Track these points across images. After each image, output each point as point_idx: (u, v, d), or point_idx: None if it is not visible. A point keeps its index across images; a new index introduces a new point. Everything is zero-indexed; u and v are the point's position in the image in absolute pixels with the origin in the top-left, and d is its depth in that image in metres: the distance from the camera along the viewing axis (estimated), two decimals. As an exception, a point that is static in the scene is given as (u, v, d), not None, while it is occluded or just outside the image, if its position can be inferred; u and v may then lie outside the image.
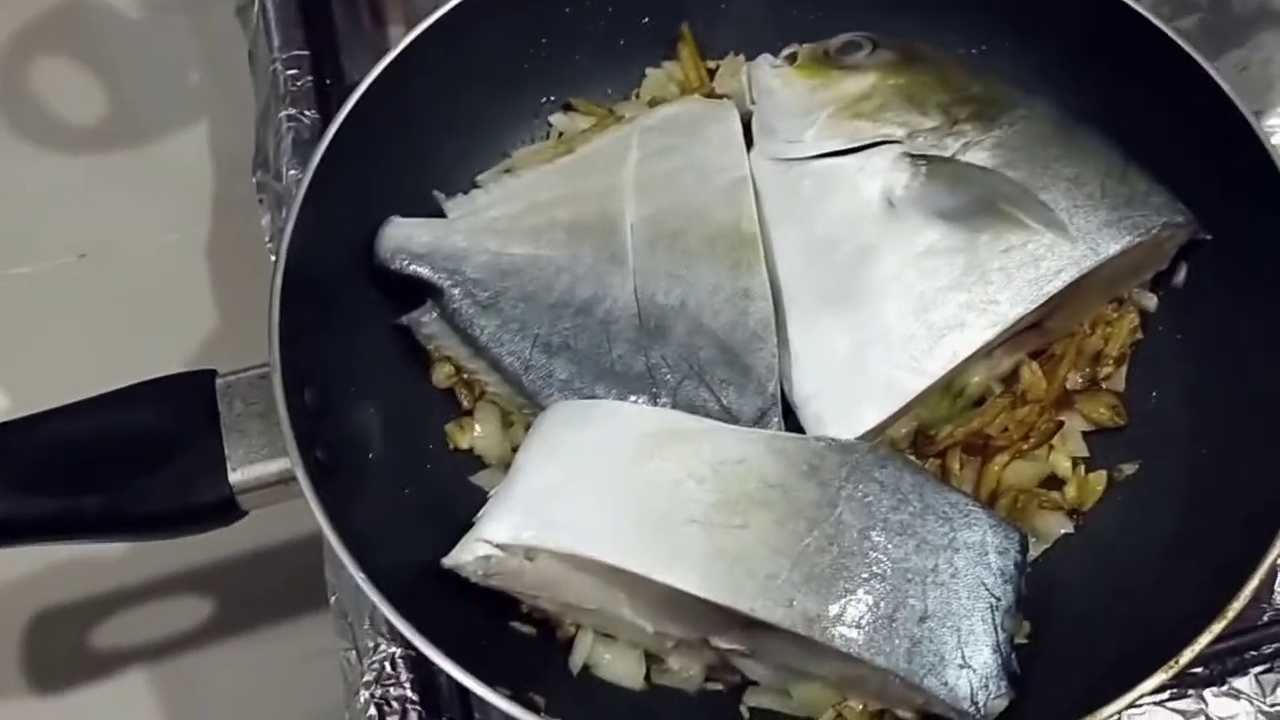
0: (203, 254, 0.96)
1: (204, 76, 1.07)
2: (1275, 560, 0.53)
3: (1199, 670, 0.65)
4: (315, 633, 0.74)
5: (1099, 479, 0.64)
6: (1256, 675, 0.65)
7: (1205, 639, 0.51)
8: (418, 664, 0.66)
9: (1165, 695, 0.64)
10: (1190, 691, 0.64)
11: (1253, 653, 0.66)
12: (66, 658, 0.81)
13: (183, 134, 1.03)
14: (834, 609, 0.54)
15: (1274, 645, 0.66)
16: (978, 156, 0.63)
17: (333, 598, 0.70)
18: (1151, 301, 0.68)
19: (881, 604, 0.54)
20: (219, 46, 1.01)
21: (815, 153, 0.65)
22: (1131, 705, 0.51)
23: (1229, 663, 0.65)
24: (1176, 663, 0.51)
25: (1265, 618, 0.67)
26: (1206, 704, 0.64)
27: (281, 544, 0.82)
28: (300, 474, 0.56)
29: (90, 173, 1.02)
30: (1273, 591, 0.68)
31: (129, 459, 0.57)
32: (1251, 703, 0.64)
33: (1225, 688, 0.64)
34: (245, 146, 0.89)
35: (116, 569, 0.82)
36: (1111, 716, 0.50)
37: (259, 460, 0.58)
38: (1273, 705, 0.64)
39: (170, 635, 0.81)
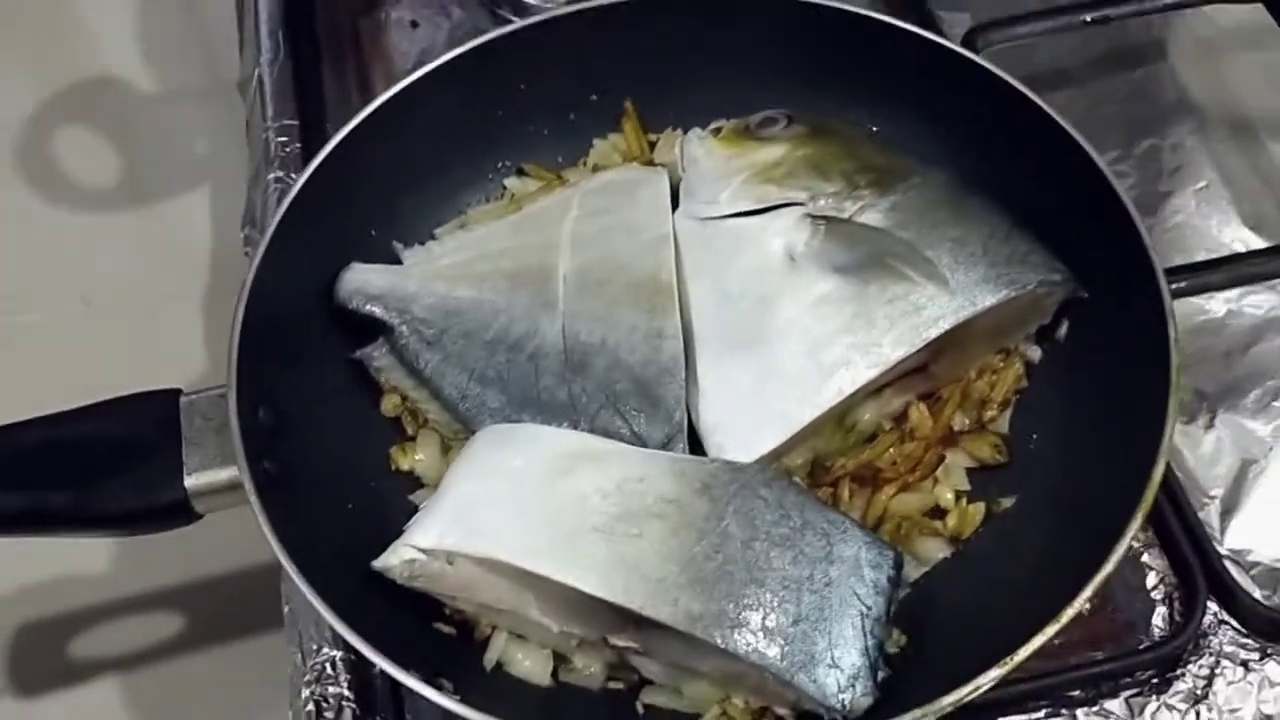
0: (197, 303, 1.05)
1: (209, 145, 1.17)
2: (1106, 580, 0.58)
3: (1075, 693, 0.70)
4: (275, 645, 0.79)
5: (978, 510, 0.69)
6: (1127, 698, 0.70)
7: (1039, 640, 0.57)
8: (356, 666, 0.72)
9: (1041, 714, 0.69)
10: (1064, 711, 0.69)
11: (1127, 679, 0.71)
12: (46, 668, 0.87)
13: (186, 197, 1.12)
14: (715, 609, 0.60)
15: (1148, 672, 0.71)
16: (872, 218, 0.71)
17: (286, 608, 0.76)
18: (1036, 353, 0.74)
19: (759, 606, 0.60)
20: (225, 119, 1.10)
21: (728, 212, 0.72)
22: (971, 696, 0.56)
23: (1103, 686, 0.70)
24: (1011, 659, 0.56)
25: (1142, 646, 0.72)
26: (1077, 723, 0.69)
27: (249, 566, 0.88)
28: (246, 481, 0.63)
29: (99, 230, 1.11)
30: (1150, 623, 0.73)
31: (96, 463, 0.65)
32: (1120, 724, 0.69)
33: (1096, 708, 0.69)
34: (239, 207, 0.98)
35: (96, 585, 0.89)
36: (949, 706, 0.55)
37: (212, 468, 0.65)
38: (1139, 726, 0.69)
39: (145, 648, 0.87)
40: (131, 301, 1.06)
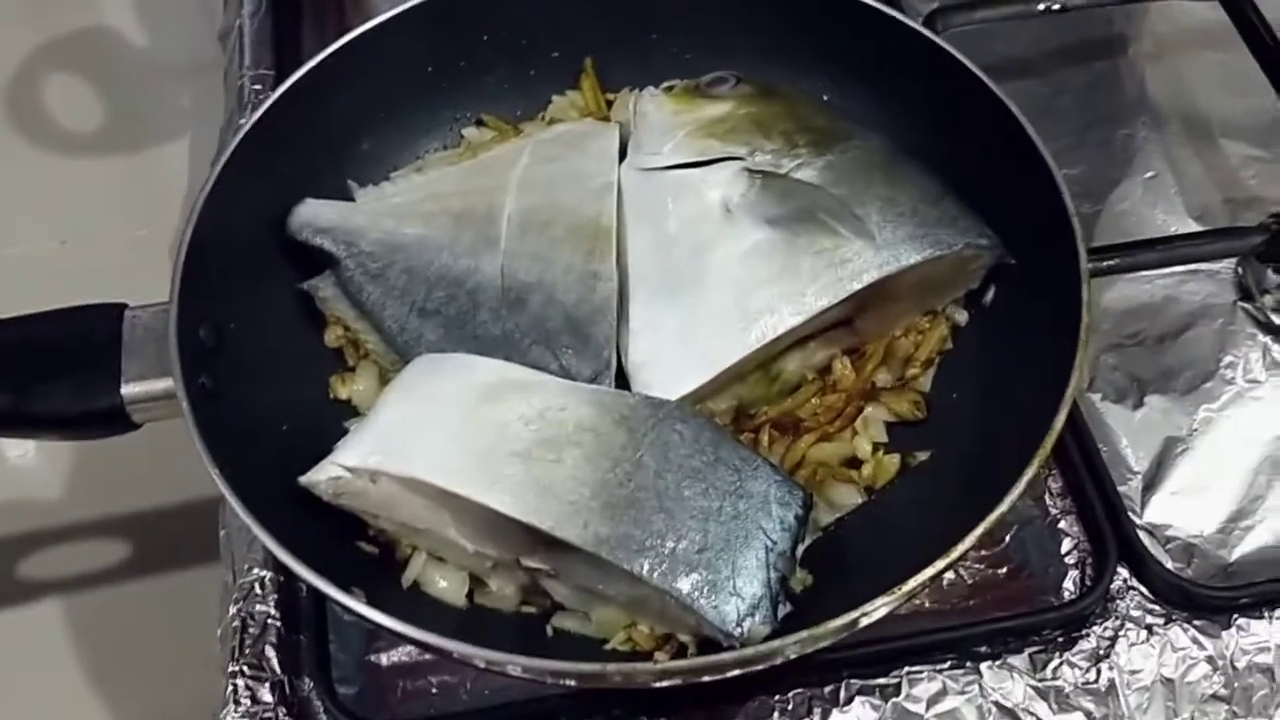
0: (167, 246, 1.07)
1: (193, 97, 1.19)
2: (1000, 518, 0.60)
3: (981, 648, 0.72)
4: (213, 577, 0.81)
5: (893, 462, 0.71)
6: (1031, 654, 0.72)
7: (930, 572, 0.58)
8: (283, 586, 0.74)
9: (946, 665, 0.71)
10: (968, 664, 0.71)
11: (1034, 636, 0.72)
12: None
13: (166, 145, 1.15)
14: (622, 533, 0.61)
15: (1055, 631, 0.73)
16: (807, 175, 0.72)
17: (222, 532, 0.78)
18: (963, 316, 0.76)
19: (666, 533, 0.62)
20: (210, 72, 1.13)
21: (670, 163, 0.74)
22: (861, 621, 0.58)
23: (1011, 642, 0.72)
24: (899, 589, 0.58)
25: (1050, 604, 0.73)
26: (981, 675, 0.71)
27: (196, 499, 0.91)
28: (179, 390, 0.65)
29: (79, 173, 1.14)
30: (1061, 588, 0.74)
31: (38, 366, 0.67)
32: (1022, 677, 0.71)
33: (1000, 662, 0.71)
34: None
35: (45, 511, 0.91)
36: (839, 629, 0.57)
37: (150, 378, 0.67)
38: (1040, 680, 0.71)
39: (90, 571, 0.90)
40: (106, 242, 1.09)
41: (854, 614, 0.57)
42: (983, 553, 0.74)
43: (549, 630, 0.66)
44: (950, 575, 0.74)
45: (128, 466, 0.90)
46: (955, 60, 0.79)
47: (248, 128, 0.75)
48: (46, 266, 1.07)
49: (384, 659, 0.72)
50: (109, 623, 0.88)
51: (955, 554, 0.59)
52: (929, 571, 0.58)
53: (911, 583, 0.58)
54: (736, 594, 0.61)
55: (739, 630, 0.61)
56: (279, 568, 0.74)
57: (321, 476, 0.66)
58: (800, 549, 0.65)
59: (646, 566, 0.61)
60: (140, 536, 0.91)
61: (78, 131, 1.17)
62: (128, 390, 0.67)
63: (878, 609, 0.58)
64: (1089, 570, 0.74)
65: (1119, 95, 1.00)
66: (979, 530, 0.59)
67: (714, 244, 0.72)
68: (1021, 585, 0.75)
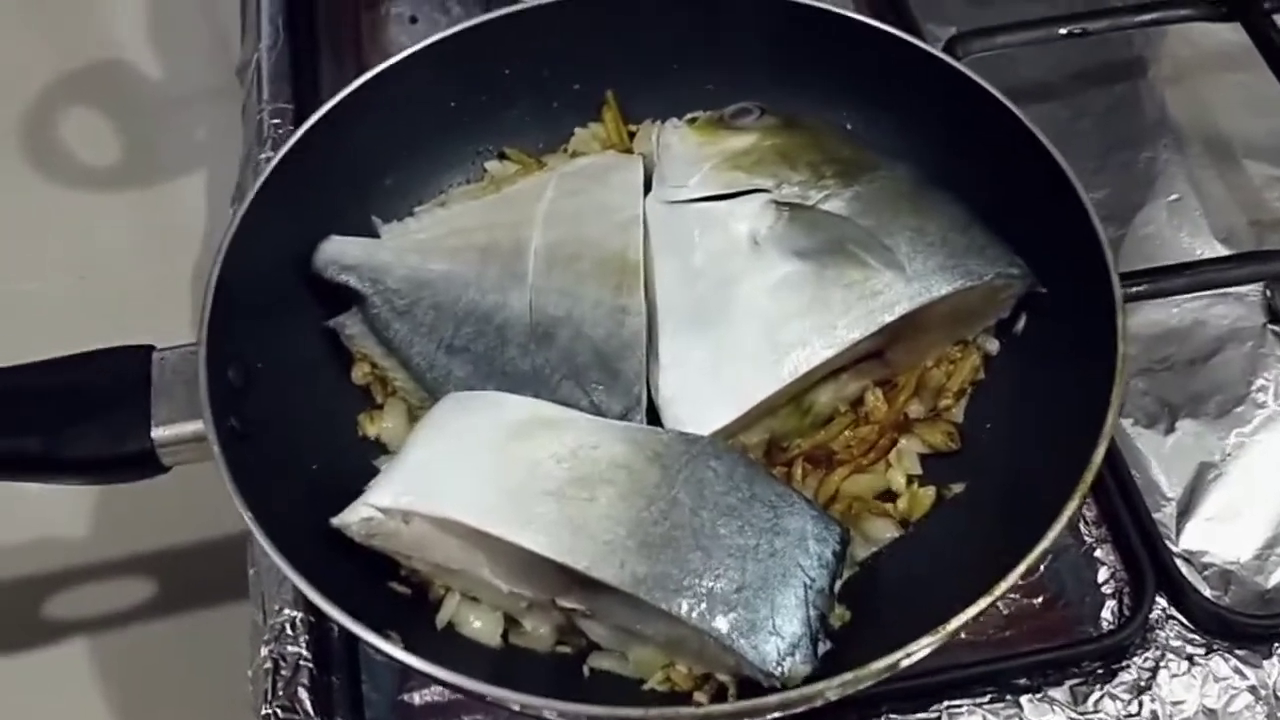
0: (188, 282, 1.07)
1: (210, 131, 1.19)
2: (1042, 555, 0.59)
3: (1021, 680, 0.71)
4: (241, 614, 0.81)
5: (928, 494, 0.71)
6: (1072, 687, 0.71)
7: (972, 611, 0.57)
8: (314, 627, 0.73)
9: (986, 699, 0.70)
10: (1008, 697, 0.70)
11: (1073, 668, 0.71)
12: (19, 627, 0.89)
13: (182, 179, 1.15)
14: (659, 572, 0.61)
15: (1094, 662, 0.72)
16: (835, 206, 0.72)
17: (251, 571, 0.78)
18: (994, 345, 0.75)
19: (703, 572, 0.61)
20: (227, 109, 1.13)
21: (696, 196, 0.74)
22: (905, 662, 0.57)
23: (1050, 674, 0.71)
24: (944, 628, 0.57)
25: (1091, 635, 0.73)
26: (1022, 709, 0.70)
27: (223, 536, 0.90)
28: (210, 433, 0.64)
29: (98, 208, 1.13)
30: (1099, 617, 0.74)
31: (68, 410, 0.66)
32: (1063, 710, 0.70)
33: (1041, 695, 0.70)
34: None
35: (71, 549, 0.91)
36: (882, 670, 0.57)
37: (180, 420, 0.66)
38: (1081, 713, 0.70)
39: (117, 611, 0.89)
40: (124, 278, 1.09)
41: (897, 655, 0.57)
42: (1018, 582, 0.73)
43: (585, 670, 0.66)
44: (986, 607, 0.73)
45: (153, 503, 0.88)
46: (979, 87, 0.79)
47: (272, 165, 0.75)
48: (65, 302, 1.07)
49: (417, 698, 0.72)
50: (136, 662, 0.87)
51: (998, 591, 0.58)
52: (972, 610, 0.57)
53: (955, 622, 0.57)
54: (776, 633, 0.61)
55: (779, 670, 0.60)
56: (310, 608, 0.73)
57: (353, 518, 0.65)
58: (838, 585, 0.64)
59: (685, 606, 0.60)
60: (166, 574, 0.90)
61: (94, 165, 1.17)
62: (158, 433, 0.66)
63: (921, 649, 0.57)
64: (1126, 599, 0.74)
65: (1140, 118, 1.00)
66: (1021, 568, 0.58)
67: (742, 277, 0.71)
68: (1058, 615, 0.74)
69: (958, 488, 0.71)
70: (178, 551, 0.91)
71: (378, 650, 0.60)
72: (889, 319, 0.69)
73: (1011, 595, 0.74)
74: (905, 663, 0.57)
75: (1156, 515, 0.77)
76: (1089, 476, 0.61)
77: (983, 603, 0.58)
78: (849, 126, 0.83)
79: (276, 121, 0.98)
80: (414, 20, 1.08)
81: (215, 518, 0.87)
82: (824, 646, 0.62)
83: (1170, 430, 0.82)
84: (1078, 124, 0.99)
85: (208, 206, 1.13)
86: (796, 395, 0.71)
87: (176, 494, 0.79)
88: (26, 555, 0.90)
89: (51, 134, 1.19)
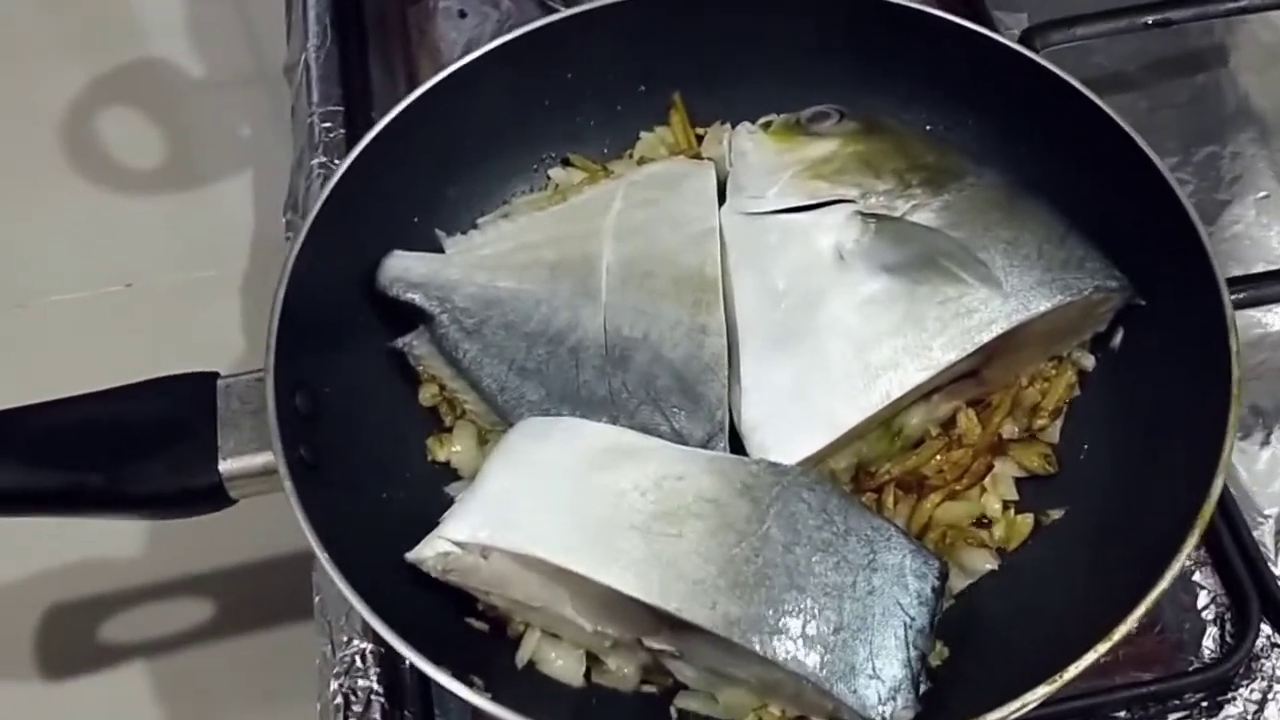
0: (237, 287, 1.05)
1: (254, 130, 1.16)
2: (1161, 597, 0.56)
3: (1121, 714, 0.68)
4: (305, 635, 0.79)
5: (1026, 521, 0.67)
6: (1175, 720, 0.68)
7: (1091, 657, 0.55)
8: (385, 659, 0.71)
9: (1087, 735, 0.67)
10: (1110, 732, 0.67)
11: (1175, 701, 0.68)
12: (76, 650, 0.87)
13: (229, 181, 1.13)
14: (753, 614, 0.58)
15: (1196, 695, 0.69)
16: (924, 217, 0.69)
17: (317, 598, 0.75)
18: (1089, 361, 0.72)
19: (799, 613, 0.58)
20: (270, 104, 1.10)
21: (776, 208, 0.71)
22: (1017, 713, 0.54)
23: (1151, 708, 0.68)
24: (1060, 676, 0.54)
25: (1192, 667, 0.69)
26: (1124, 745, 0.67)
27: (280, 556, 0.88)
28: (281, 466, 0.62)
29: (142, 212, 1.11)
30: (1200, 644, 0.71)
31: (131, 444, 0.64)
32: (1167, 746, 0.67)
33: (1143, 730, 0.67)
34: (282, 192, 0.97)
35: (127, 569, 0.89)
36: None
37: (248, 452, 0.64)
38: (1188, 749, 0.67)
39: (175, 633, 0.87)
40: (172, 284, 1.07)
41: (1014, 705, 0.54)
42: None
43: (673, 712, 0.63)
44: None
45: (211, 521, 0.87)
46: (1066, 84, 0.75)
47: (334, 181, 0.72)
48: (113, 311, 1.05)
49: (490, 732, 0.69)
50: (197, 686, 0.86)
51: (1117, 636, 0.55)
52: (1090, 656, 0.55)
53: (1072, 670, 0.55)
54: (876, 676, 0.58)
55: (880, 715, 0.57)
56: (381, 640, 0.71)
57: (429, 552, 0.63)
58: (937, 622, 0.61)
59: (781, 650, 0.58)
60: (226, 594, 0.88)
61: (137, 169, 1.15)
62: (226, 466, 0.64)
63: (1036, 698, 0.54)
64: (1229, 626, 0.71)
65: (1222, 109, 0.96)
66: (1140, 610, 0.56)
67: (828, 294, 0.68)
68: (1155, 642, 0.71)
69: (1056, 514, 0.68)
70: (237, 570, 0.89)
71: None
72: (987, 338, 0.65)
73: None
74: (1018, 714, 0.54)
75: (1255, 533, 0.74)
76: (1208, 509, 0.58)
77: (1102, 647, 0.55)
78: (929, 128, 0.80)
79: (328, 125, 0.95)
80: (463, 15, 1.04)
81: (275, 535, 0.85)
82: (924, 687, 0.59)
83: (1266, 443, 0.79)
84: (1157, 116, 0.95)
85: (255, 208, 1.11)
86: (886, 418, 0.68)
87: (236, 511, 0.77)
88: (83, 576, 0.89)
89: (91, 136, 1.17)
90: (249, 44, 1.25)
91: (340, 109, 0.96)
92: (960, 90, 0.79)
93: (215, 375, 0.67)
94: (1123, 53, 0.97)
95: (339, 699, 0.70)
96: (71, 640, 0.87)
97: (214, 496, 0.65)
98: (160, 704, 0.85)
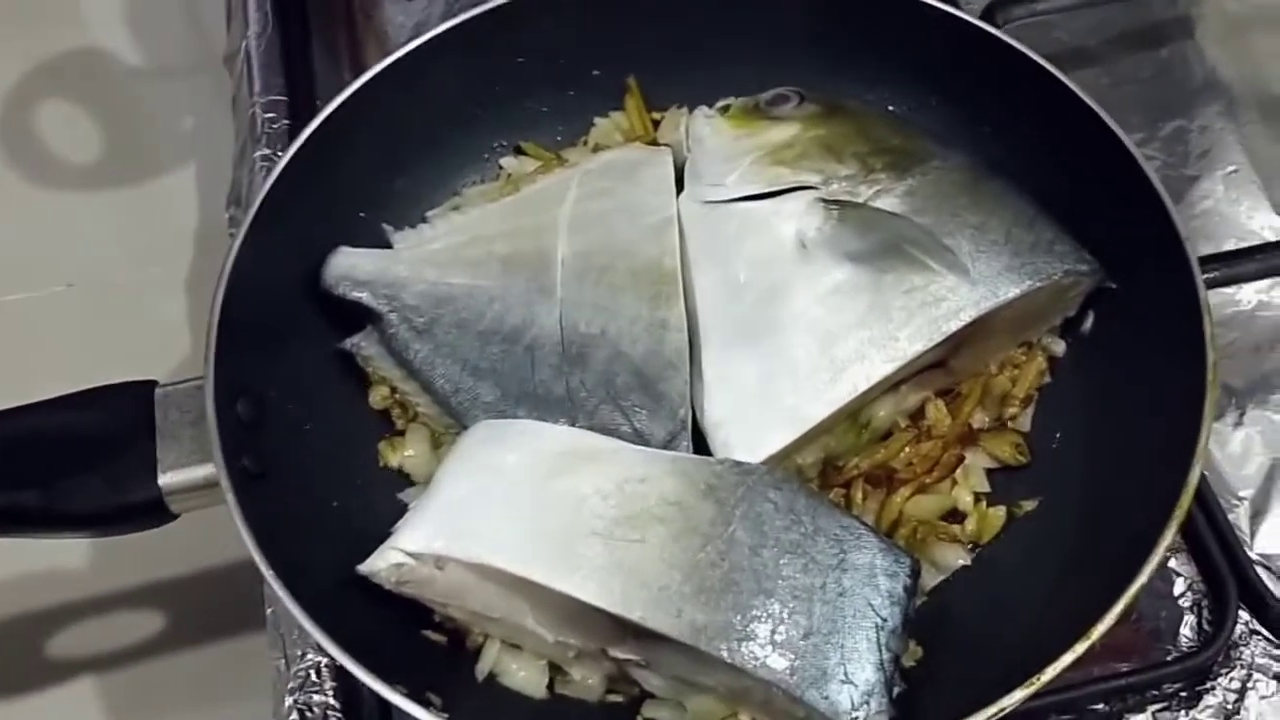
0: (181, 285, 1.01)
1: (196, 121, 1.12)
2: (1139, 593, 0.55)
3: (1099, 706, 0.67)
4: (256, 646, 0.76)
5: (998, 514, 0.66)
6: (1154, 712, 0.67)
7: (1069, 658, 0.53)
8: (341, 673, 0.69)
9: (1062, 729, 0.66)
10: (1087, 727, 0.66)
11: (1154, 691, 0.67)
12: (20, 666, 0.84)
13: (171, 175, 1.08)
14: (720, 620, 0.56)
15: (1176, 685, 0.67)
16: (888, 203, 0.67)
17: (269, 610, 0.73)
18: (1060, 347, 0.70)
19: (767, 618, 0.56)
20: (212, 93, 1.06)
21: (736, 195, 0.68)
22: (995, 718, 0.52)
23: (1129, 699, 0.67)
24: (1038, 679, 0.53)
25: (1170, 657, 0.68)
26: (1102, 738, 0.66)
27: (231, 563, 0.85)
28: (223, 478, 0.59)
29: (83, 209, 1.07)
30: (1177, 633, 0.69)
31: (67, 459, 0.61)
32: (1146, 739, 0.66)
33: (1121, 723, 0.66)
34: (225, 185, 0.94)
35: (73, 582, 0.86)
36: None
37: (188, 465, 0.61)
38: (1166, 742, 0.66)
39: (122, 647, 0.84)
40: (115, 282, 1.03)
41: (990, 710, 0.52)
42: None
43: (639, 722, 0.61)
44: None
45: (159, 531, 0.84)
46: (1028, 60, 0.74)
47: (274, 176, 0.69)
48: (55, 312, 1.01)
49: (454, 745, 0.67)
50: (147, 700, 0.82)
51: (1095, 634, 0.54)
52: (1068, 657, 0.53)
53: (1050, 671, 0.53)
54: (849, 681, 0.56)
55: (854, 720, 0.55)
56: (336, 653, 0.68)
57: (382, 564, 0.60)
58: (909, 621, 0.59)
59: (749, 657, 0.56)
60: (175, 605, 0.85)
61: (76, 162, 1.11)
62: (165, 480, 0.61)
63: (1014, 702, 0.53)
64: (1206, 614, 0.69)
65: (1189, 82, 0.94)
66: (1119, 607, 0.54)
67: (790, 285, 0.66)
68: (1132, 631, 0.69)
69: (1030, 505, 0.66)
70: (186, 581, 0.86)
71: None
72: (955, 327, 0.63)
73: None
74: (996, 716, 0.53)
75: (1230, 517, 0.72)
76: (1186, 499, 0.57)
77: (1080, 647, 0.54)
78: (891, 109, 0.78)
79: (270, 115, 0.92)
80: (409, -3, 1.01)
81: (225, 544, 0.81)
82: (898, 689, 0.57)
83: (1239, 424, 0.77)
84: (1121, 92, 0.93)
85: (199, 202, 1.07)
86: (853, 411, 0.66)
87: (185, 519, 0.74)
88: (28, 589, 0.85)
89: (28, 128, 1.12)
90: (191, 31, 1.21)
91: (283, 98, 0.93)
92: (923, 70, 0.77)
93: (153, 384, 0.64)
94: (1084, 27, 0.95)
95: (294, 715, 0.68)
96: (17, 656, 0.84)
97: (154, 512, 0.62)
98: (109, 716, 0.82)
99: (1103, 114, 0.69)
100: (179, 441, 0.62)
